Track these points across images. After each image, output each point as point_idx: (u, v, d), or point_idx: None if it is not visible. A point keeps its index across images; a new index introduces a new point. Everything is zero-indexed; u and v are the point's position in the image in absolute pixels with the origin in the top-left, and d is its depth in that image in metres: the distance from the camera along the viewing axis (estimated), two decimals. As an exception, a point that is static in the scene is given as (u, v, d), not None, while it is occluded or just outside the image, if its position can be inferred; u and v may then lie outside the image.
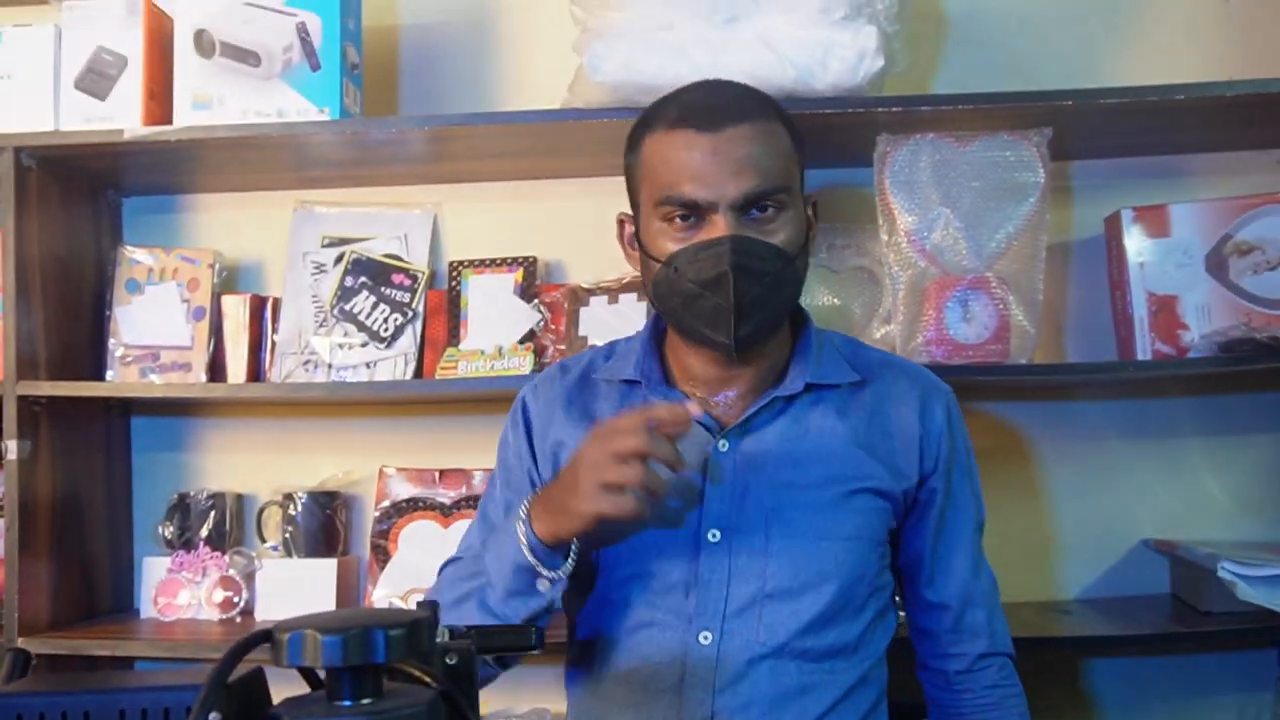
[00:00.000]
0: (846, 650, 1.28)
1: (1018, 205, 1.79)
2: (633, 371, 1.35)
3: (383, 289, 2.10)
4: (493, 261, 2.11)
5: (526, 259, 2.08)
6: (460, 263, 2.13)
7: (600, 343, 1.57)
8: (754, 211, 1.23)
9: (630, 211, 1.36)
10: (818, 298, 1.95)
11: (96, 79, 1.91)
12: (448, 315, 2.09)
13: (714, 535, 1.27)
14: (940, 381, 1.42)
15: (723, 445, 1.30)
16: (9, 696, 0.60)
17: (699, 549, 1.26)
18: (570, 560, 1.19)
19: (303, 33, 1.88)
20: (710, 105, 1.25)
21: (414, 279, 2.11)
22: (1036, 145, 1.80)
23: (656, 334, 1.39)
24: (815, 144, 1.91)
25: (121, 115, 1.90)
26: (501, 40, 2.20)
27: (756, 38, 1.74)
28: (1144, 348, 1.86)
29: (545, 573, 1.18)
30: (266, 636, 0.63)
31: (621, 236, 1.37)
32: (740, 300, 1.20)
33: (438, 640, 0.80)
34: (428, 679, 0.68)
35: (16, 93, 1.92)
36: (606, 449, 1.11)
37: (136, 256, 2.08)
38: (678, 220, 1.24)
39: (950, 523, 1.38)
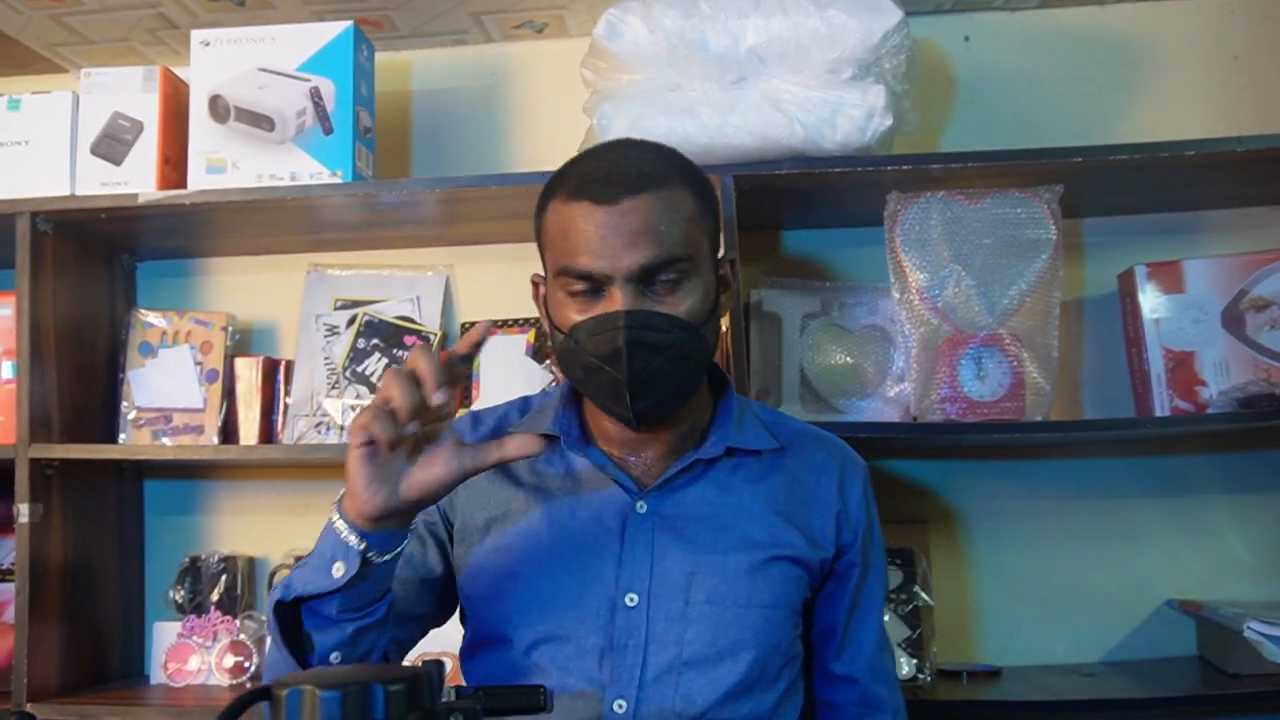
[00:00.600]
0: None
1: (1030, 262, 1.78)
2: (550, 427, 1.30)
3: (395, 350, 2.10)
4: (505, 323, 2.11)
5: (538, 320, 2.08)
6: (471, 324, 2.13)
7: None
8: (654, 282, 1.18)
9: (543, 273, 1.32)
10: (829, 356, 1.94)
11: (112, 144, 1.93)
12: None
13: (631, 599, 1.22)
14: (856, 454, 1.38)
15: (641, 506, 1.26)
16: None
17: (614, 613, 1.22)
18: (393, 549, 1.09)
19: (316, 97, 1.90)
20: (608, 175, 1.19)
21: (426, 340, 2.11)
22: (1047, 202, 1.80)
23: (573, 390, 1.35)
24: (825, 203, 1.94)
25: (137, 179, 1.92)
26: (511, 104, 2.22)
27: (764, 98, 1.76)
28: (1162, 404, 1.84)
29: (353, 543, 1.06)
30: (265, 693, 0.62)
31: (536, 297, 1.33)
32: (637, 375, 1.17)
33: (443, 700, 0.78)
34: (430, 739, 0.67)
35: (34, 158, 1.95)
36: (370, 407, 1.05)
37: (150, 320, 2.09)
38: (577, 291, 1.20)
39: (865, 596, 1.35)
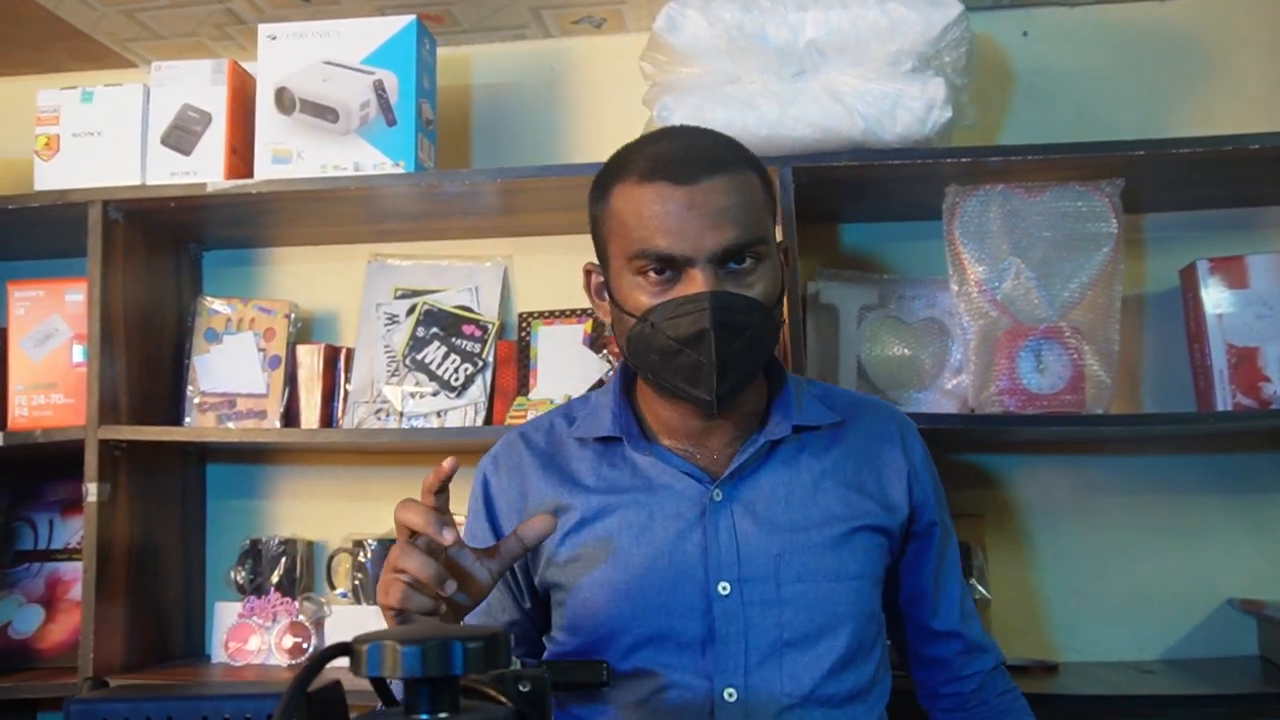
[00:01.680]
0: (864, 693, 1.26)
1: (1090, 255, 1.77)
2: (610, 428, 1.30)
3: (454, 339, 2.13)
4: (562, 313, 2.13)
5: (594, 314, 2.10)
6: (530, 314, 2.15)
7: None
8: (731, 264, 1.18)
9: (597, 262, 1.32)
10: (887, 348, 1.94)
11: (182, 135, 1.97)
12: (517, 365, 2.11)
13: (724, 588, 1.23)
14: (898, 410, 1.42)
15: (716, 495, 1.26)
16: (96, 702, 0.61)
17: (710, 604, 1.23)
18: None
19: (379, 90, 1.93)
20: (683, 157, 1.19)
21: (484, 330, 2.13)
22: (1109, 196, 1.79)
23: (627, 387, 1.35)
24: (883, 195, 1.94)
25: (205, 170, 1.96)
26: (571, 97, 2.24)
27: (824, 90, 1.76)
28: (1224, 400, 1.82)
29: None
30: (346, 648, 0.64)
31: (589, 287, 1.33)
32: (722, 357, 1.17)
33: (511, 668, 0.79)
34: (503, 699, 0.68)
35: (106, 149, 1.99)
36: (387, 569, 1.08)
37: (215, 307, 2.13)
38: (652, 274, 1.19)
39: (949, 550, 1.38)
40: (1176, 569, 1.99)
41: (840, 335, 1.96)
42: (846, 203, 2.01)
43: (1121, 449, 2.02)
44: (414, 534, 1.06)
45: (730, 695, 1.21)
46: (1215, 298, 1.86)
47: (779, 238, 1.35)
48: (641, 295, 1.20)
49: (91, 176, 1.97)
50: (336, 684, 0.65)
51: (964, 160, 1.77)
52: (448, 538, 1.04)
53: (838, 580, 1.25)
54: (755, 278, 1.20)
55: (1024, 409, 1.73)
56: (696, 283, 1.17)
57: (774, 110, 1.75)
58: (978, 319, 1.79)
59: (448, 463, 1.08)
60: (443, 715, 0.63)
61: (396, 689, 0.68)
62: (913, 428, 1.39)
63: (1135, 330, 2.03)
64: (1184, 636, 1.98)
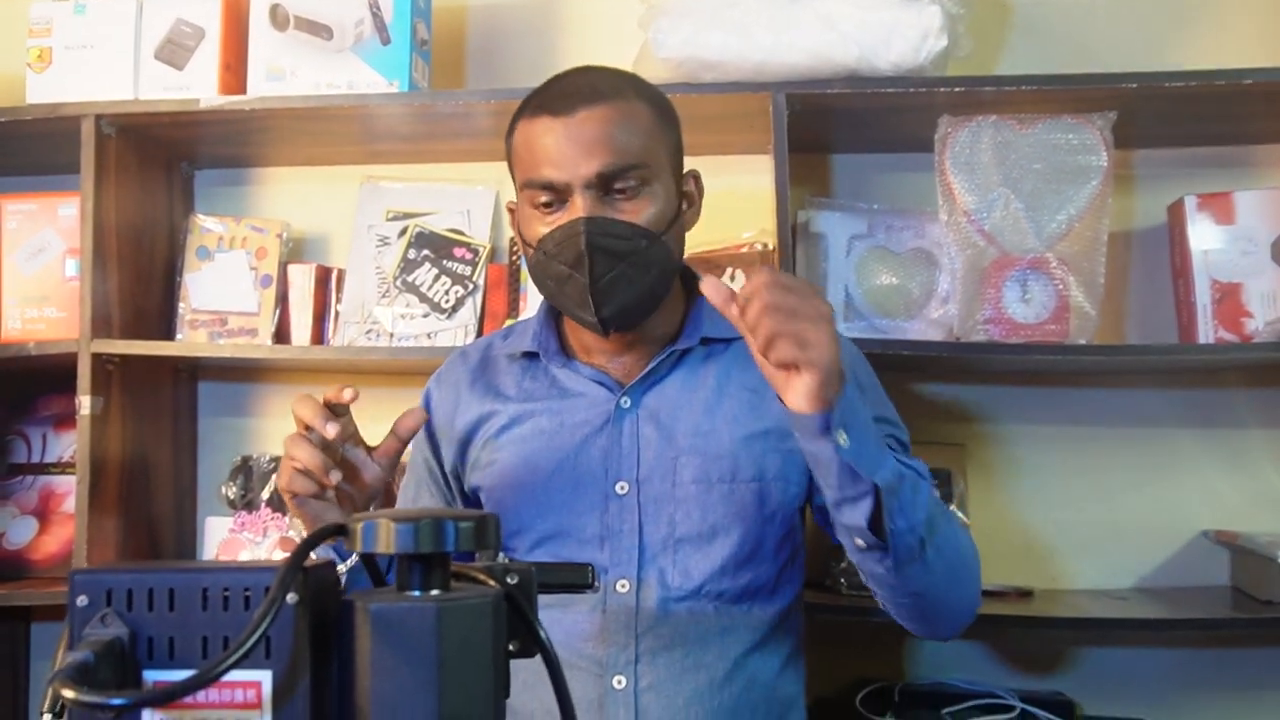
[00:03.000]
0: (764, 591, 1.31)
1: (1080, 188, 1.78)
2: (531, 343, 1.39)
3: (445, 262, 2.13)
4: (553, 238, 2.14)
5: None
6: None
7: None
8: (613, 190, 1.24)
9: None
10: (875, 277, 1.96)
11: (175, 50, 1.96)
12: (508, 288, 2.12)
13: (622, 487, 1.30)
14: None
15: (625, 402, 1.33)
16: (99, 572, 0.63)
17: (607, 502, 1.30)
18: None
19: (374, 8, 1.92)
20: (566, 91, 1.27)
21: (475, 253, 2.14)
22: (1100, 129, 1.80)
23: (551, 309, 1.41)
24: (875, 125, 1.94)
25: (198, 85, 1.95)
26: (567, 19, 2.23)
27: (819, 17, 1.76)
28: (1207, 335, 1.85)
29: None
30: (341, 529, 0.66)
31: (512, 223, 1.38)
32: (599, 279, 1.23)
33: (499, 561, 0.82)
34: (493, 582, 0.71)
35: (98, 63, 1.98)
36: (284, 456, 1.17)
37: (207, 225, 2.13)
38: (541, 204, 1.26)
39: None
40: (1153, 501, 2.02)
41: (829, 264, 1.97)
42: (839, 133, 2.02)
43: (1103, 381, 2.04)
44: (308, 428, 1.15)
45: (623, 586, 1.27)
46: (1201, 233, 1.88)
47: (688, 168, 1.37)
48: (537, 225, 1.27)
49: (84, 90, 1.96)
50: (331, 564, 0.67)
51: (957, 90, 1.77)
52: (330, 432, 1.13)
53: (732, 483, 1.30)
54: (639, 204, 1.25)
55: (1008, 338, 1.76)
56: (576, 209, 1.23)
57: (768, 37, 1.75)
58: (965, 249, 1.80)
59: (347, 392, 1.16)
60: (434, 592, 0.65)
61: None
62: (841, 332, 1.36)
63: (1122, 266, 2.05)
64: (1158, 566, 2.02)
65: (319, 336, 2.12)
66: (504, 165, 2.14)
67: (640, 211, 1.25)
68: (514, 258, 2.14)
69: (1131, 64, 1.96)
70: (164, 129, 2.01)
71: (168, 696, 0.58)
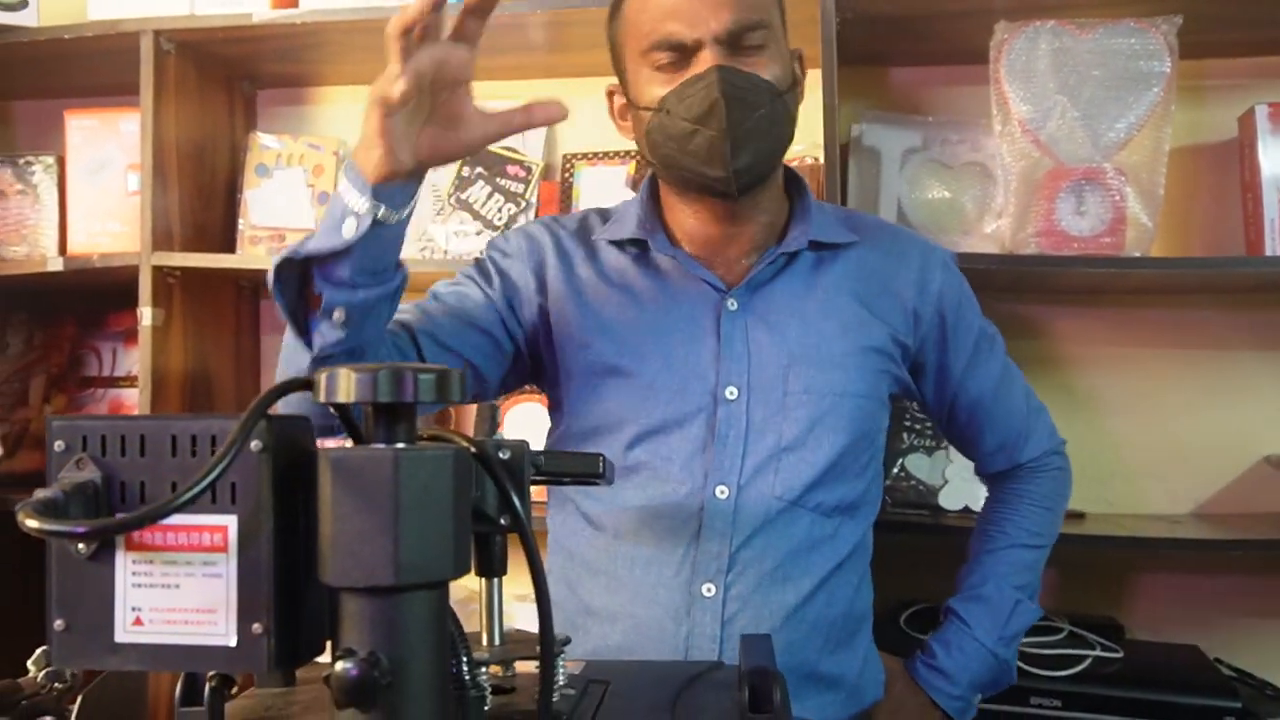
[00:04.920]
0: (851, 508, 1.31)
1: (1141, 95, 1.72)
2: (635, 230, 1.33)
3: (498, 180, 2.14)
4: (605, 154, 2.13)
5: (638, 152, 2.09)
6: (574, 155, 2.16)
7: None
8: (740, 47, 1.21)
9: (618, 84, 1.34)
10: (928, 191, 1.92)
11: (229, -35, 1.98)
12: (560, 206, 2.13)
13: (731, 392, 1.27)
14: (934, 245, 1.42)
15: (732, 304, 1.30)
16: (76, 419, 0.65)
17: (716, 406, 1.27)
18: (405, 205, 1.06)
19: (423, -81, 1.91)
20: None
21: (528, 170, 2.14)
22: (1165, 34, 1.73)
23: (653, 193, 1.37)
24: (931, 35, 1.89)
25: (251, 0, 1.97)
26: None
27: (870, -83, 1.71)
28: (1274, 249, 1.77)
29: (363, 201, 1.02)
30: (307, 383, 0.67)
31: (612, 111, 1.35)
32: (734, 130, 1.19)
33: (494, 437, 0.82)
34: (463, 442, 0.71)
35: (156, -22, 2.01)
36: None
37: (266, 142, 2.17)
38: (665, 65, 1.22)
39: (987, 386, 1.41)
40: (1214, 425, 1.96)
41: (882, 178, 1.93)
42: (892, 44, 1.96)
43: (1165, 302, 1.98)
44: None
45: (722, 493, 1.25)
46: (1273, 144, 1.80)
47: (795, 49, 1.34)
48: (656, 87, 1.23)
49: (143, 7, 2.00)
50: (305, 419, 0.68)
51: (1013, -8, 1.71)
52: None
53: (841, 395, 1.28)
54: (764, 59, 1.22)
55: (1059, 250, 1.71)
56: (705, 61, 1.20)
57: (817, -61, 1.71)
58: (1019, 160, 1.75)
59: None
60: (399, 445, 0.66)
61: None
62: (940, 261, 1.38)
63: (1189, 181, 1.97)
64: (1218, 492, 1.96)
65: (373, 253, 2.14)
66: (560, 82, 2.19)
67: (767, 68, 1.22)
68: (566, 174, 2.14)
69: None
70: (220, 46, 2.04)
71: (124, 526, 0.60)
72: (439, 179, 2.16)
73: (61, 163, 2.12)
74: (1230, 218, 1.92)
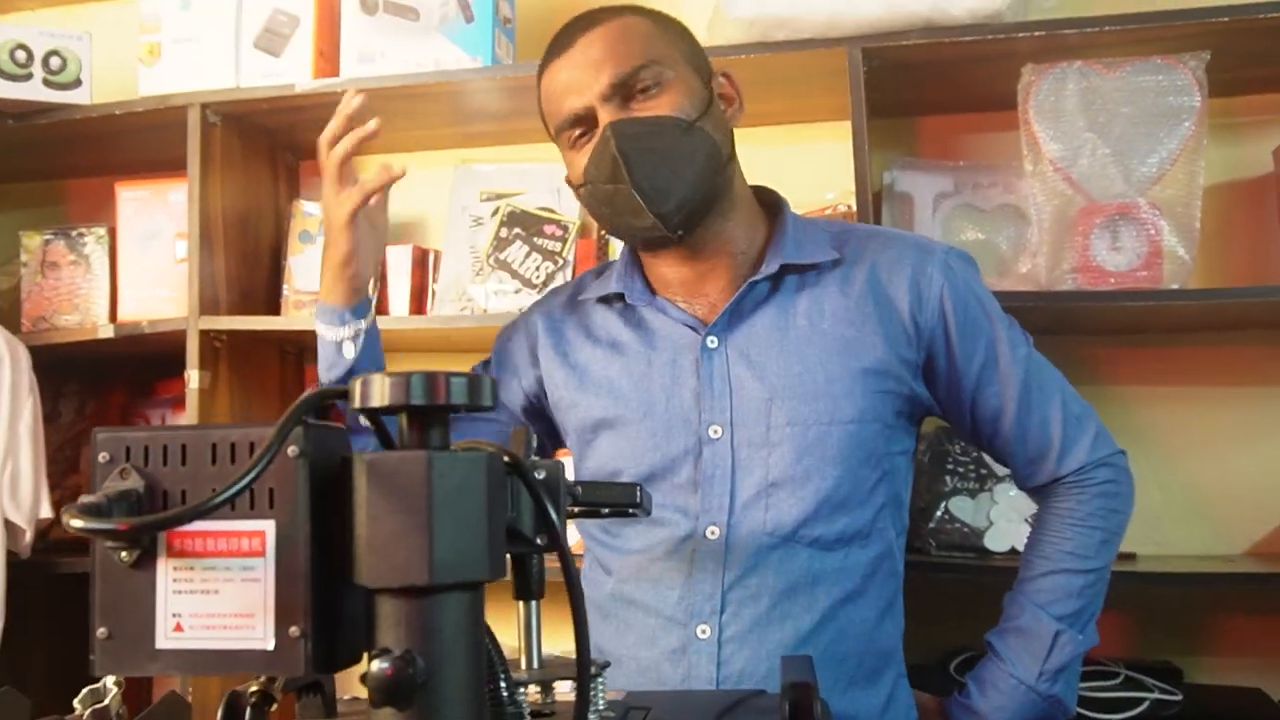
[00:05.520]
0: (859, 537, 1.26)
1: (1172, 130, 1.72)
2: (615, 286, 1.36)
3: (535, 239, 2.17)
4: (640, 211, 2.16)
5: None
6: (609, 213, 2.19)
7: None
8: (634, 95, 1.24)
9: None
10: (962, 234, 1.92)
11: (272, 38, 2.05)
12: (596, 262, 2.15)
13: (715, 431, 1.27)
14: (936, 244, 1.35)
15: (711, 341, 1.29)
16: (119, 431, 0.67)
17: (701, 447, 1.27)
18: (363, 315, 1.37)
19: (458, -13, 1.98)
20: (564, 32, 1.30)
21: (565, 229, 2.17)
22: (1193, 70, 1.73)
23: (633, 249, 1.40)
24: (958, 81, 1.91)
25: (294, 72, 2.04)
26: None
27: (891, -34, 1.74)
28: (1314, 281, 1.76)
29: (342, 330, 1.36)
30: (343, 392, 0.68)
31: (575, 195, 1.38)
32: (641, 178, 1.21)
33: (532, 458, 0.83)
34: (498, 451, 0.72)
35: (202, 55, 2.08)
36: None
37: (310, 209, 2.22)
38: (578, 139, 1.28)
39: (1014, 385, 1.31)
40: (1263, 461, 1.92)
41: (915, 222, 1.94)
42: (921, 92, 1.98)
43: (1207, 338, 1.96)
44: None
45: (713, 533, 1.25)
46: (1308, 177, 1.79)
47: (720, 74, 1.36)
48: (578, 160, 1.28)
49: (190, 81, 2.07)
50: (337, 428, 0.69)
51: (1038, 35, 1.73)
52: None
53: (830, 424, 1.25)
54: (660, 98, 1.24)
55: (1096, 285, 1.70)
56: (600, 122, 1.24)
57: (840, -12, 1.75)
58: (1052, 199, 1.76)
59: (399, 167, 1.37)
60: (434, 447, 0.67)
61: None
62: (940, 262, 1.31)
63: (1227, 216, 1.95)
64: (1271, 531, 1.92)
65: (417, 312, 2.18)
66: (593, 144, 2.23)
67: (664, 105, 1.24)
68: (602, 233, 2.17)
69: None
70: (264, 116, 2.10)
71: (164, 523, 0.61)
72: (478, 241, 2.20)
73: (113, 233, 2.19)
74: (1270, 252, 1.91)
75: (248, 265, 2.17)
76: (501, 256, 2.18)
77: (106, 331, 2.05)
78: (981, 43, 1.75)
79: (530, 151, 2.28)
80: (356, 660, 0.69)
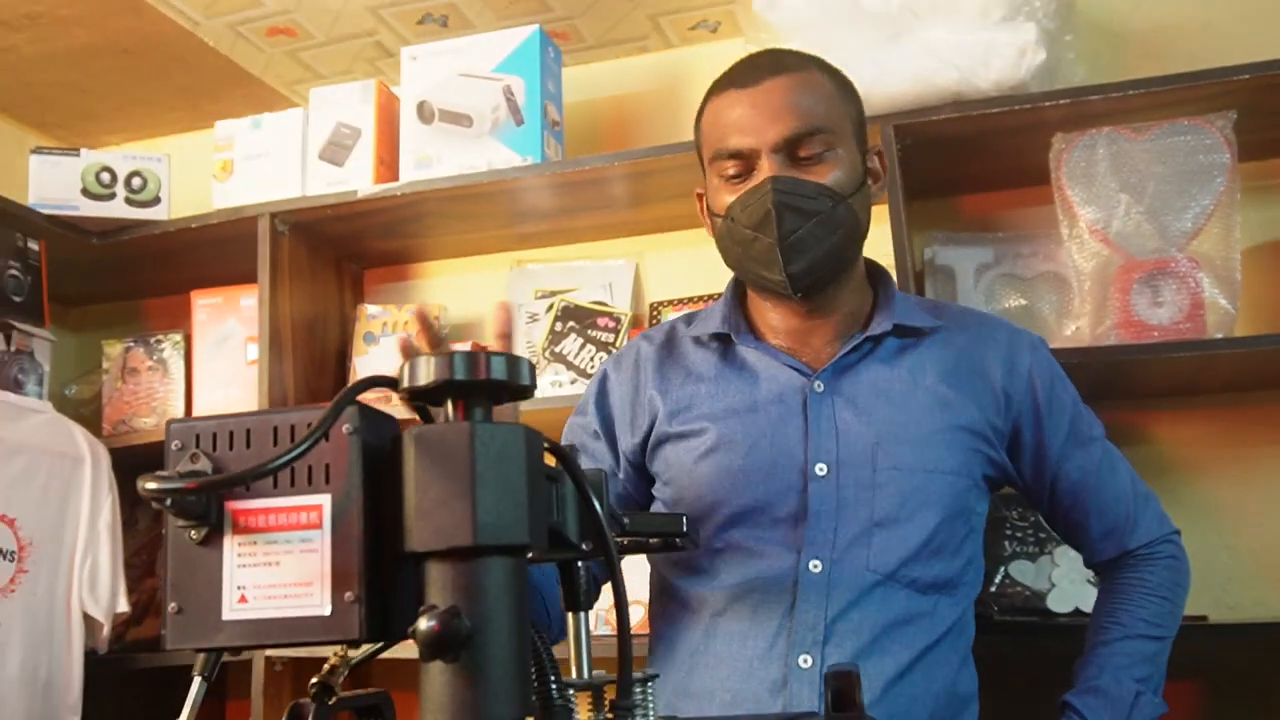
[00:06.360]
0: (949, 585, 1.29)
1: (1205, 186, 1.76)
2: (719, 326, 1.40)
3: (589, 331, 2.25)
4: (690, 299, 2.23)
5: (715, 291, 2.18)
6: (660, 303, 2.26)
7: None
8: (799, 155, 1.28)
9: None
10: (1004, 301, 1.96)
11: (336, 150, 2.18)
12: (648, 350, 2.21)
13: (821, 469, 1.29)
14: (1022, 328, 1.44)
15: (818, 386, 1.33)
16: (189, 420, 0.73)
17: (807, 482, 1.29)
18: None
19: (508, 94, 2.10)
20: (750, 65, 1.33)
21: (618, 321, 2.25)
22: (1221, 129, 1.78)
23: (738, 293, 1.44)
24: (992, 154, 1.96)
25: (356, 179, 2.16)
26: (693, 100, 2.35)
27: (919, 48, 1.83)
28: (1363, 328, 1.76)
29: None
30: (393, 380, 0.74)
31: (701, 210, 1.42)
32: (786, 237, 1.26)
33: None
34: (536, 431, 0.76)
35: (272, 169, 2.22)
36: None
37: (372, 312, 2.32)
38: (730, 174, 1.30)
39: (1088, 469, 1.38)
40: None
41: (958, 294, 1.98)
42: (956, 168, 2.04)
43: (1262, 396, 1.95)
44: None
45: (816, 567, 1.26)
46: (1348, 228, 1.81)
47: (874, 143, 1.42)
48: (725, 195, 1.32)
49: (260, 194, 2.20)
50: (388, 416, 0.75)
51: (1064, 103, 1.79)
52: None
53: (931, 472, 1.29)
54: (824, 166, 1.28)
55: (1140, 339, 1.72)
56: (764, 172, 1.28)
57: (871, 71, 1.82)
58: (1090, 260, 1.79)
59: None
60: (477, 420, 0.71)
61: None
62: (1029, 344, 1.40)
63: (1271, 275, 1.97)
64: (1349, 588, 1.88)
65: (474, 407, 2.24)
66: (642, 239, 2.32)
67: (826, 174, 1.28)
68: (653, 322, 2.24)
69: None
70: (329, 223, 2.22)
71: (228, 482, 0.66)
72: (534, 336, 2.28)
73: (188, 339, 2.30)
74: (1317, 308, 1.91)
75: (315, 366, 2.26)
76: (557, 349, 2.25)
77: (181, 431, 2.13)
78: (1010, 114, 1.81)
79: (581, 250, 2.37)
80: (408, 633, 0.73)
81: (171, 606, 0.71)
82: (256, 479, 0.66)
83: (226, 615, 0.70)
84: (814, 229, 1.27)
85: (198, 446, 0.72)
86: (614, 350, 2.21)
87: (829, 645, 1.24)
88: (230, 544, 0.71)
